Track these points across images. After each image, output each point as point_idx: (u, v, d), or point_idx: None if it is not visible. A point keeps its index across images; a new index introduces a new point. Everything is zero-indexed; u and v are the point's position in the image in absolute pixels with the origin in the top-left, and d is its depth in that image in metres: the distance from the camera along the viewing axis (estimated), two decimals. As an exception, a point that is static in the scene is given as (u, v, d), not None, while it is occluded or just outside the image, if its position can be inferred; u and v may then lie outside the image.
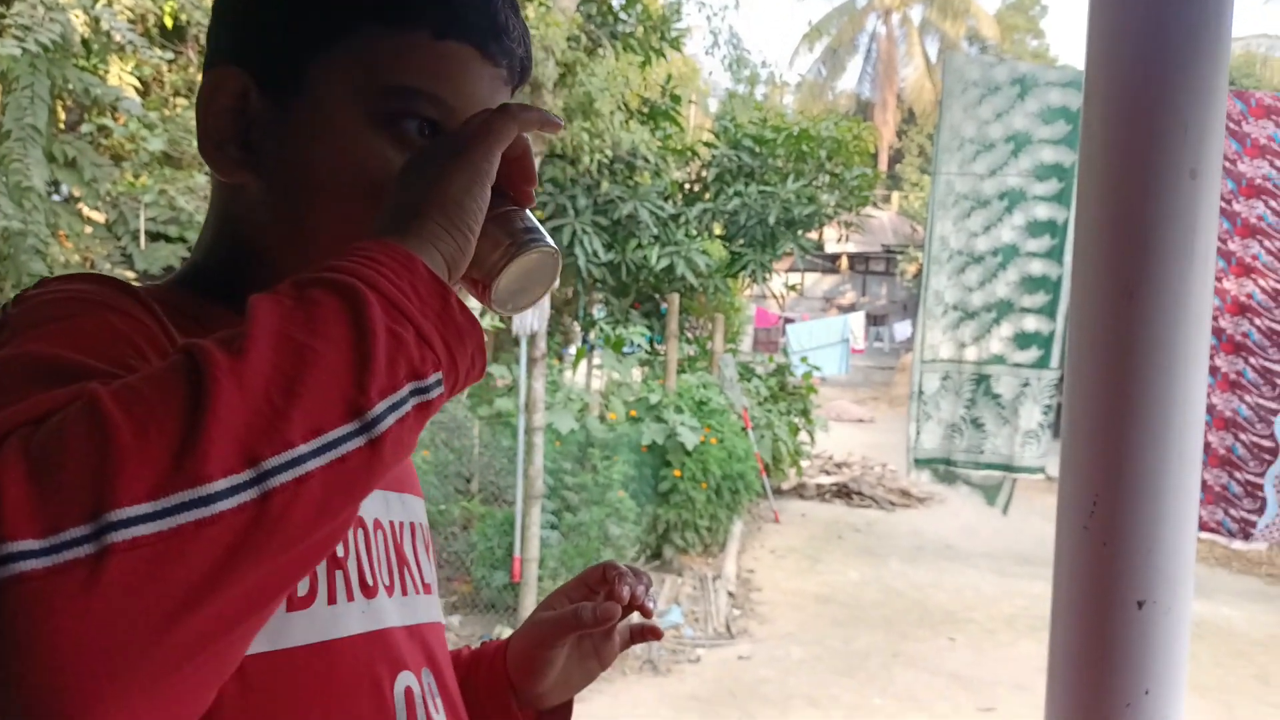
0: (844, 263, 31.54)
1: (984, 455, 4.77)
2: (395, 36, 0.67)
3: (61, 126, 5.99)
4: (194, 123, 0.71)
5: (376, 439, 0.48)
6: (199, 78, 0.73)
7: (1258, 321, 3.72)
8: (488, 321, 7.40)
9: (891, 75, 38.52)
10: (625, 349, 9.25)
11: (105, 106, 5.56)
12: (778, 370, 11.97)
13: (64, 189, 5.74)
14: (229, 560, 0.43)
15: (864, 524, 9.76)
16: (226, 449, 0.43)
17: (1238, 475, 3.73)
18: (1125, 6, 0.96)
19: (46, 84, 4.97)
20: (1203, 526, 3.56)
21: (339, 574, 0.66)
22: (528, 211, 0.68)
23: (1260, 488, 3.65)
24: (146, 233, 5.99)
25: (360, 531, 0.69)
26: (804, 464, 11.24)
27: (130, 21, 5.78)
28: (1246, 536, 3.62)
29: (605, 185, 9.72)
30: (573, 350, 10.23)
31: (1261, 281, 3.68)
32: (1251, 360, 3.75)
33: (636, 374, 8.85)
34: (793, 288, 21.70)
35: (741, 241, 12.07)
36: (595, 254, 9.72)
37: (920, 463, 4.75)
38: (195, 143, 0.71)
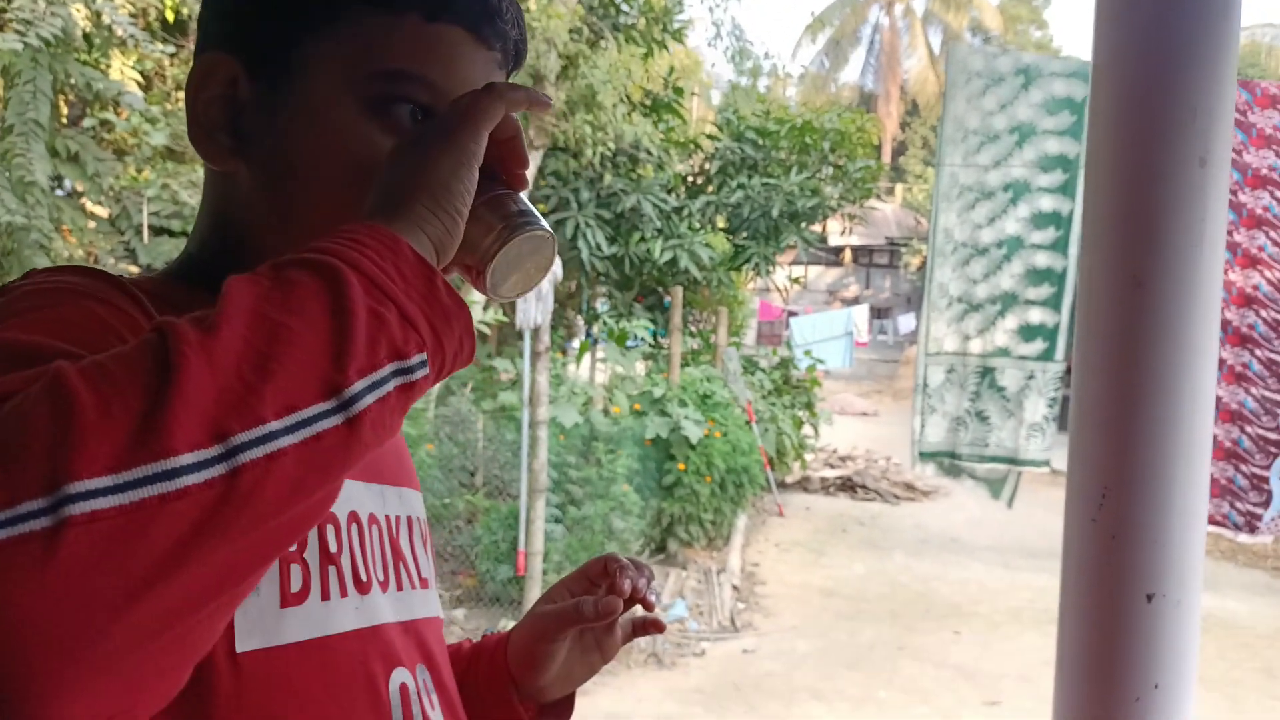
0: (847, 255, 31.49)
1: (989, 448, 4.76)
2: (384, 19, 0.66)
3: (64, 121, 5.99)
4: None
5: (354, 418, 0.47)
6: (198, 70, 0.72)
7: (1263, 313, 3.70)
8: (492, 315, 7.39)
9: (894, 67, 38.41)
10: (629, 342, 9.25)
11: (107, 101, 5.56)
12: (781, 363, 11.96)
13: (67, 184, 5.74)
14: (195, 536, 0.42)
15: (868, 517, 9.76)
16: (193, 423, 0.42)
17: (1243, 468, 3.71)
18: (1134, -7, 0.95)
19: (48, 78, 4.97)
20: (1208, 520, 3.55)
21: (332, 570, 0.66)
22: (521, 195, 0.66)
23: (1266, 481, 3.64)
24: (150, 227, 5.99)
25: (355, 527, 0.69)
26: (808, 457, 11.24)
27: (131, 15, 5.77)
28: (1252, 530, 3.61)
29: (608, 178, 9.70)
30: (576, 344, 10.22)
31: (1267, 273, 3.66)
32: (1257, 352, 3.74)
33: (640, 368, 8.84)
34: (796, 281, 21.69)
35: (745, 234, 12.05)
36: (598, 247, 9.71)
37: (925, 456, 4.74)
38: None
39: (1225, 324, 3.71)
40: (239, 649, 0.59)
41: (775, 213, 11.73)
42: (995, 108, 4.68)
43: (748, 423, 8.64)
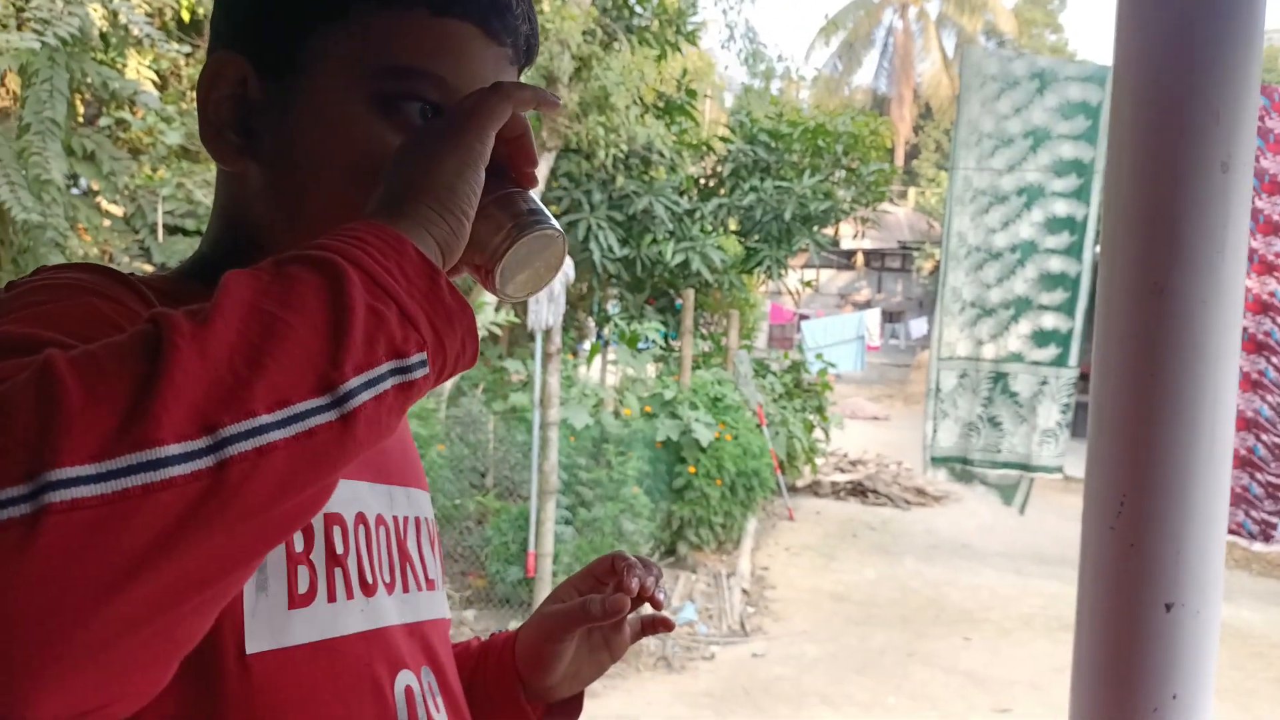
0: (860, 259, 31.43)
1: (1001, 454, 4.74)
2: (392, 15, 0.66)
3: (80, 120, 6.03)
4: None
5: (348, 415, 0.47)
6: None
7: (1280, 320, 3.67)
8: (503, 316, 7.40)
9: (908, 70, 38.33)
10: (640, 345, 9.24)
11: (123, 100, 5.59)
12: (793, 367, 11.94)
13: (83, 182, 5.77)
14: (179, 529, 0.41)
15: (879, 522, 9.72)
16: (181, 414, 0.42)
17: (1259, 476, 3.68)
18: (1156, -4, 0.94)
19: (65, 77, 5.00)
20: (1223, 527, 3.51)
21: (338, 571, 0.65)
22: (531, 193, 0.66)
23: (1282, 488, 3.61)
24: (164, 226, 6.02)
25: (361, 528, 0.68)
26: (819, 461, 11.21)
27: (148, 15, 5.80)
28: (1267, 538, 3.58)
29: (620, 180, 9.70)
30: (587, 346, 10.23)
31: (1285, 279, 3.63)
32: (1274, 360, 3.71)
33: (651, 370, 8.84)
34: (808, 284, 21.64)
35: (757, 237, 12.04)
36: (610, 249, 9.71)
37: (937, 461, 4.72)
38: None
39: (1241, 330, 3.68)
40: (249, 650, 0.59)
41: (787, 216, 11.71)
42: (1010, 111, 4.66)
43: (758, 426, 8.63)
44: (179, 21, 6.43)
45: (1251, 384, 3.72)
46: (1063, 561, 8.02)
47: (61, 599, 0.38)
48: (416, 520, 0.77)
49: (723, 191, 12.22)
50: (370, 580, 0.68)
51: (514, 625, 0.91)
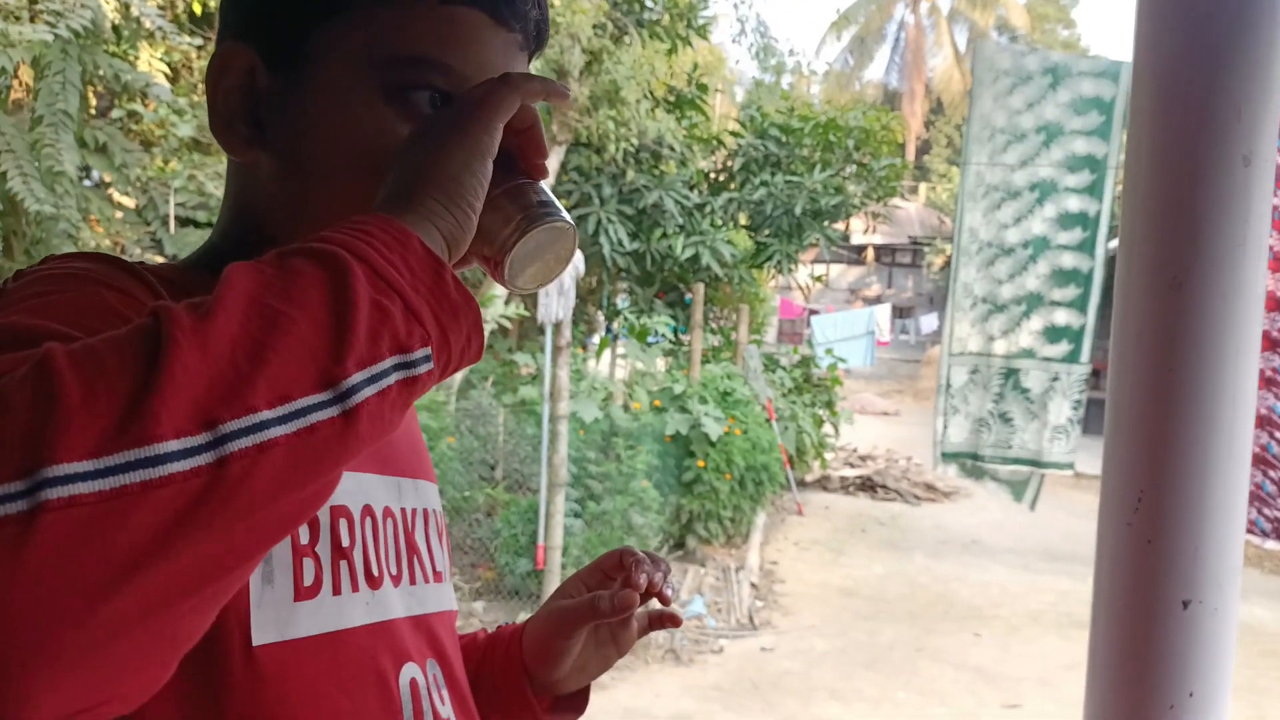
0: (870, 254, 31.35)
1: (1012, 450, 4.72)
2: (400, 3, 0.65)
3: (92, 112, 6.05)
4: None
5: (350, 410, 0.46)
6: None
7: (1296, 317, 3.65)
8: (513, 309, 7.41)
9: (920, 65, 38.18)
10: (649, 339, 9.24)
11: (135, 92, 5.60)
12: (802, 362, 11.92)
13: (95, 174, 5.79)
14: (178, 525, 0.41)
15: (888, 517, 9.71)
16: (181, 409, 0.41)
17: (1272, 474, 3.66)
18: (1176, -13, 0.93)
19: (78, 70, 5.01)
20: (1236, 524, 3.49)
21: (344, 564, 0.65)
22: (542, 185, 0.65)
23: (1295, 486, 3.58)
24: (176, 218, 6.03)
25: (368, 520, 0.68)
26: (828, 456, 11.19)
27: (160, 7, 5.81)
28: (1279, 536, 3.56)
29: (630, 174, 9.69)
30: (597, 339, 10.23)
31: (1301, 275, 3.61)
32: (1289, 356, 3.68)
33: (660, 364, 8.83)
34: (818, 279, 21.61)
35: (767, 232, 12.02)
36: (620, 243, 9.70)
37: (947, 457, 4.71)
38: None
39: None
40: (255, 642, 0.59)
41: (798, 210, 11.68)
42: (1022, 107, 4.64)
43: (768, 420, 8.62)
44: (190, 14, 6.45)
45: (1266, 381, 3.70)
46: (1073, 558, 8.00)
47: (58, 597, 0.38)
48: (425, 512, 0.77)
49: (733, 186, 12.19)
50: (376, 573, 0.68)
51: (523, 617, 0.91)
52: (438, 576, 0.77)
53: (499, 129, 0.59)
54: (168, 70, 6.07)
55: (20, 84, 5.68)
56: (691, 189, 10.89)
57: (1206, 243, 0.91)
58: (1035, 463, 4.74)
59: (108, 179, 5.69)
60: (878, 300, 27.99)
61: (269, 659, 0.59)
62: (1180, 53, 0.93)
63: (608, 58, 8.21)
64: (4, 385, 0.41)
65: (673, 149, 9.87)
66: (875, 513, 9.88)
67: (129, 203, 6.01)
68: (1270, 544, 3.64)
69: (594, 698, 0.93)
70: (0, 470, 0.38)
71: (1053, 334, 4.70)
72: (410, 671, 0.69)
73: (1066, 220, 4.69)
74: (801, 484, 10.29)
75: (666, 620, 0.90)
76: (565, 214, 0.64)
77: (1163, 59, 0.95)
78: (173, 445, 0.41)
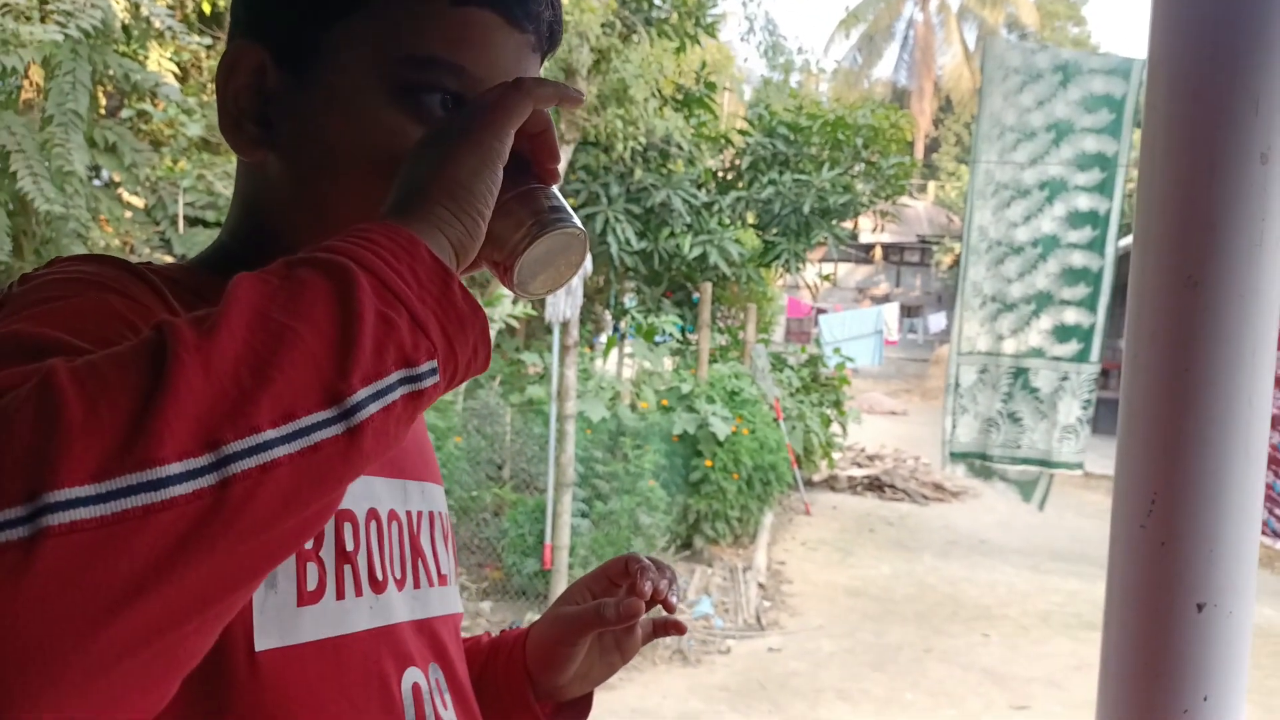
0: (878, 253, 31.29)
1: (1021, 450, 4.70)
2: (412, 4, 0.64)
3: (102, 112, 6.06)
4: None
5: (355, 428, 0.45)
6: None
7: (1309, 316, 3.62)
8: (520, 309, 7.41)
9: (929, 62, 38.10)
10: (657, 338, 9.23)
11: (145, 92, 5.61)
12: (810, 361, 11.90)
13: (104, 174, 5.81)
14: (180, 549, 0.40)
15: (896, 517, 9.69)
16: (184, 430, 0.41)
17: (1284, 473, 3.63)
18: (1191, -18, 0.92)
19: (88, 70, 5.02)
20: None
21: (347, 569, 0.65)
22: (554, 189, 0.64)
23: (1308, 487, 3.56)
24: (185, 217, 6.05)
25: (373, 524, 0.68)
26: (836, 456, 11.18)
27: (169, 7, 5.83)
28: (1292, 536, 3.53)
29: (638, 173, 9.69)
30: (604, 339, 10.22)
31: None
32: (1301, 355, 3.65)
33: (668, 363, 8.82)
34: (826, 278, 21.58)
35: (775, 230, 12.00)
36: (628, 242, 9.70)
37: (956, 456, 4.69)
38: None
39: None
40: (258, 647, 0.58)
41: (806, 209, 11.66)
42: (1032, 104, 4.62)
43: (775, 420, 8.60)
44: (200, 14, 6.46)
45: (1278, 381, 3.67)
46: (1082, 558, 7.97)
47: (59, 623, 0.38)
48: (430, 515, 0.76)
49: (741, 184, 12.18)
50: (380, 577, 0.67)
51: (530, 617, 0.91)
52: (442, 580, 0.76)
53: (510, 135, 0.59)
54: (177, 70, 6.09)
55: (31, 84, 5.71)
56: (699, 188, 10.88)
57: (1223, 241, 0.90)
58: (1044, 463, 4.72)
59: (117, 179, 5.70)
60: (886, 299, 27.94)
61: (271, 664, 0.59)
62: (1196, 47, 0.92)
63: (616, 56, 8.20)
64: (6, 404, 0.40)
65: (681, 148, 9.86)
66: (883, 513, 9.86)
67: (138, 202, 6.03)
68: (1281, 545, 3.61)
69: (601, 698, 0.92)
70: (3, 495, 0.38)
71: (1062, 333, 4.68)
72: (413, 676, 0.68)
73: (1076, 219, 4.67)
74: (809, 484, 10.27)
75: (671, 628, 0.89)
76: (576, 220, 0.63)
77: (1178, 54, 0.94)
78: (175, 468, 0.40)
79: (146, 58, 5.78)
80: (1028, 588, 7.26)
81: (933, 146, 37.98)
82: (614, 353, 9.48)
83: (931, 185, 33.23)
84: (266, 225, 0.69)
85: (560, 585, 5.37)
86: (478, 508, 6.09)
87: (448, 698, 0.72)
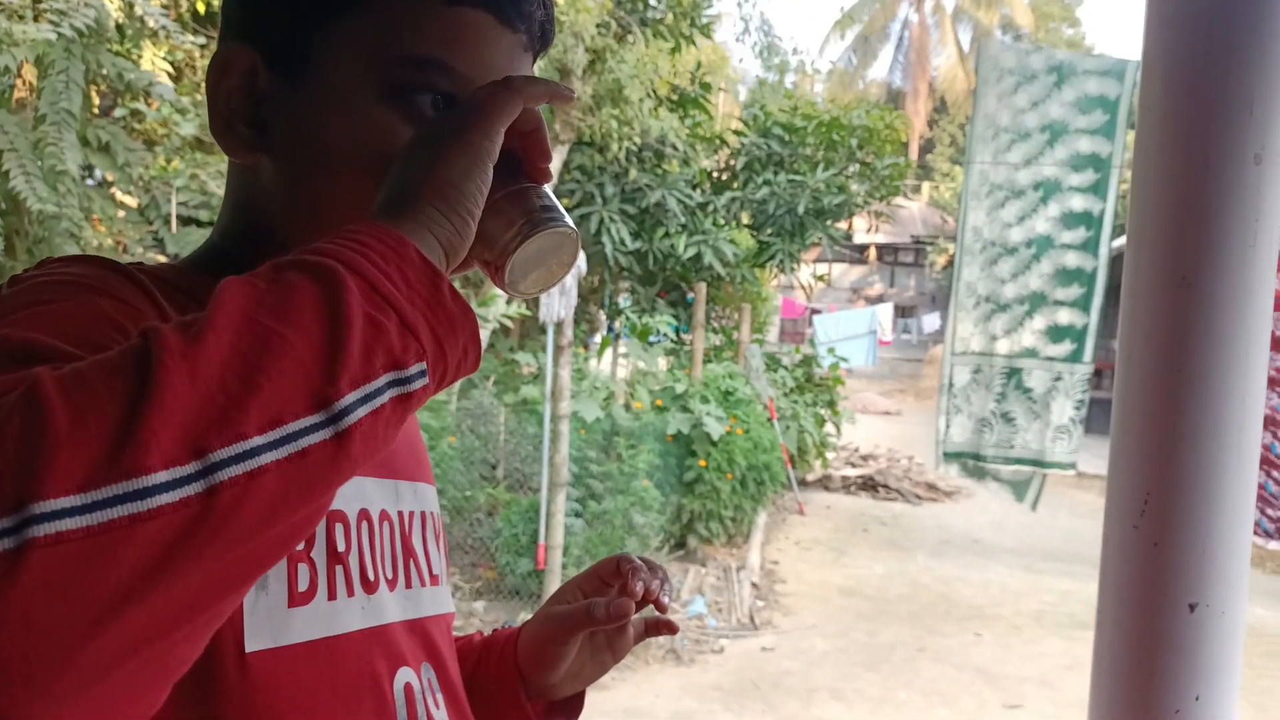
0: (872, 253, 31.33)
1: (1014, 450, 4.71)
2: (403, 4, 0.64)
3: (95, 111, 6.04)
4: None
5: (343, 432, 0.45)
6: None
7: (1301, 316, 3.64)
8: (514, 309, 7.40)
9: (924, 63, 38.16)
10: (651, 338, 9.23)
11: (138, 91, 5.60)
12: (804, 361, 11.91)
13: (97, 173, 5.79)
14: (168, 557, 0.40)
15: (890, 517, 9.70)
16: (170, 439, 0.40)
17: (1275, 474, 3.65)
18: (1185, -18, 0.92)
19: (81, 69, 5.00)
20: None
21: (339, 569, 0.65)
22: (545, 189, 0.64)
23: (1299, 487, 3.57)
24: (178, 217, 6.03)
25: (365, 525, 0.68)
26: (830, 456, 11.18)
27: (163, 7, 5.81)
28: (1283, 536, 3.54)
29: (633, 173, 9.69)
30: (598, 339, 10.22)
31: (1306, 275, 3.60)
32: (1294, 357, 3.67)
33: (662, 363, 8.83)
34: (820, 278, 21.59)
35: (770, 231, 12.00)
36: (622, 242, 9.70)
37: (949, 456, 4.70)
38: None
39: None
40: (248, 649, 0.58)
41: (801, 209, 11.67)
42: (1027, 105, 4.63)
43: (769, 420, 8.61)
44: (194, 13, 6.44)
45: (1271, 381, 3.68)
46: (1074, 558, 7.99)
47: (47, 634, 0.37)
48: (422, 515, 0.76)
49: (736, 185, 12.18)
50: (372, 577, 0.67)
51: (524, 616, 0.91)
52: (434, 580, 0.76)
53: (500, 134, 0.58)
54: (171, 69, 6.07)
55: (24, 83, 5.68)
56: (694, 188, 10.88)
57: (1216, 241, 0.90)
58: (1037, 463, 4.73)
59: (110, 178, 5.69)
60: (880, 299, 27.98)
61: (262, 665, 0.59)
62: (1190, 48, 0.92)
63: (611, 56, 8.20)
64: None
65: (676, 148, 9.86)
66: (877, 512, 9.87)
67: (131, 202, 6.01)
68: (1273, 544, 3.62)
69: (594, 698, 0.92)
70: None
71: (1055, 333, 4.69)
72: (405, 676, 0.68)
73: (1070, 219, 4.68)
74: (803, 483, 10.28)
75: (663, 627, 0.89)
76: (568, 219, 0.63)
77: (1173, 53, 0.94)
78: (161, 476, 0.40)
79: (140, 57, 5.76)
80: (1021, 587, 7.28)
81: (927, 147, 38.04)
82: (608, 353, 9.48)
83: (926, 186, 33.28)
84: (258, 225, 0.69)
85: (553, 585, 5.37)
86: (471, 507, 6.08)
87: (440, 697, 0.72)
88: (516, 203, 0.62)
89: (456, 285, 0.55)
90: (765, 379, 9.53)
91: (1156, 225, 0.93)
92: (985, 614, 6.61)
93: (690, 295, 10.14)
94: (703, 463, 7.16)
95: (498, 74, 0.63)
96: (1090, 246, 4.64)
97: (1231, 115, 0.89)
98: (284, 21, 0.66)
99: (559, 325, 5.55)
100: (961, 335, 4.75)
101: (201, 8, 6.27)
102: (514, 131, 0.61)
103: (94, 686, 0.39)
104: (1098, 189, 4.62)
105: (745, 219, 12.13)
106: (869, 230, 21.94)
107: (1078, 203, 4.63)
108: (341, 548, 0.65)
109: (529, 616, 0.90)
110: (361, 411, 0.46)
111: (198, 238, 6.03)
